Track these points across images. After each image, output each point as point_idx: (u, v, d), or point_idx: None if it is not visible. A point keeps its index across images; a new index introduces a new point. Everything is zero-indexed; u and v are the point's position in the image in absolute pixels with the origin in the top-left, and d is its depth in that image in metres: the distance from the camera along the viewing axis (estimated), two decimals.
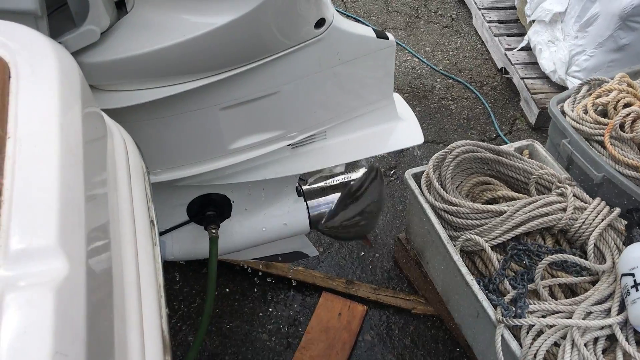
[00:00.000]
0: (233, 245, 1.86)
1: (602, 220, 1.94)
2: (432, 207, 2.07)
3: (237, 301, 2.43)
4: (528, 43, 3.54)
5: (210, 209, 1.76)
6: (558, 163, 2.25)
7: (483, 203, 2.11)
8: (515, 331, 1.76)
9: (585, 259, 1.90)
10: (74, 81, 0.76)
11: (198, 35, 1.26)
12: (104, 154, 0.91)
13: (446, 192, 2.06)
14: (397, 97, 1.77)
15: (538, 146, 2.34)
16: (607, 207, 1.98)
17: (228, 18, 1.25)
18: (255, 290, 2.47)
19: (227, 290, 2.46)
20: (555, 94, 2.93)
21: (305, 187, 1.90)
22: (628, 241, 1.91)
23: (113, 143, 1.01)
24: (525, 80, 3.40)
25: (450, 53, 3.93)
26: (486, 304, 1.79)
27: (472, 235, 1.95)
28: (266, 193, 1.82)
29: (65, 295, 0.56)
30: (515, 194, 2.11)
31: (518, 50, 3.60)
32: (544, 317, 1.75)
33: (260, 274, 2.50)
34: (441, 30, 4.16)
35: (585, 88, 2.36)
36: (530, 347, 1.68)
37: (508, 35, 3.77)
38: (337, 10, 1.40)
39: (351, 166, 1.93)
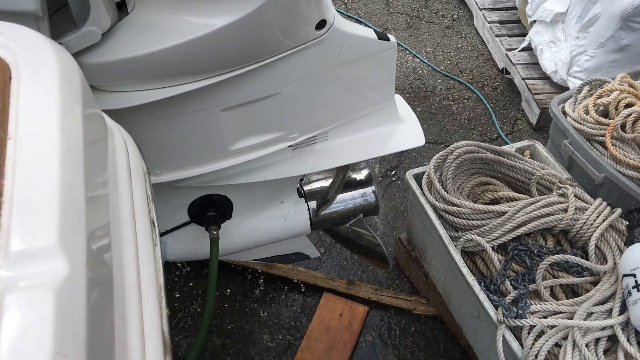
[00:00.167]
0: (234, 246, 1.86)
1: (604, 220, 1.94)
2: (433, 207, 2.06)
3: (238, 302, 2.43)
4: (529, 43, 3.53)
5: (211, 210, 1.76)
6: (559, 163, 2.25)
7: (484, 204, 2.11)
8: (517, 332, 1.76)
9: (587, 259, 1.90)
10: (74, 82, 0.76)
11: (199, 36, 1.26)
12: (104, 154, 0.91)
13: (447, 193, 2.06)
14: (399, 99, 1.77)
15: (539, 147, 2.34)
16: (609, 208, 1.98)
17: (229, 19, 1.25)
18: (257, 290, 2.47)
19: (228, 290, 2.47)
20: (556, 94, 2.92)
21: (306, 188, 1.90)
22: (629, 242, 1.91)
23: (114, 144, 1.01)
24: (526, 80, 3.40)
25: (452, 54, 3.93)
26: (487, 304, 1.79)
27: (473, 236, 1.94)
28: (267, 194, 1.82)
29: (66, 296, 0.56)
30: (516, 195, 2.11)
31: (519, 51, 3.60)
32: (545, 317, 1.74)
33: (261, 274, 2.50)
34: (442, 30, 4.16)
35: (586, 88, 2.36)
36: (531, 348, 1.68)
37: (509, 36, 3.77)
38: (338, 11, 1.40)
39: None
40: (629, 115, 2.06)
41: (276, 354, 2.27)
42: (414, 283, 2.49)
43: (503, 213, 1.97)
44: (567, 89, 3.11)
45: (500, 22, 3.90)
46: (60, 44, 1.23)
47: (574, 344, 1.66)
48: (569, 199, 1.97)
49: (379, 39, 1.53)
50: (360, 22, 4.18)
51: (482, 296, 1.81)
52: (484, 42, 4.00)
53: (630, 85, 2.22)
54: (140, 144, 1.18)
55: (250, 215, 1.84)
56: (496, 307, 1.78)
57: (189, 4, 1.29)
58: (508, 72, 3.64)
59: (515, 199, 2.09)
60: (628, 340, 1.68)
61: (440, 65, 3.81)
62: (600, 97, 2.21)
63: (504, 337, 1.72)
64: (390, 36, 1.57)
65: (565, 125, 2.25)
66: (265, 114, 1.53)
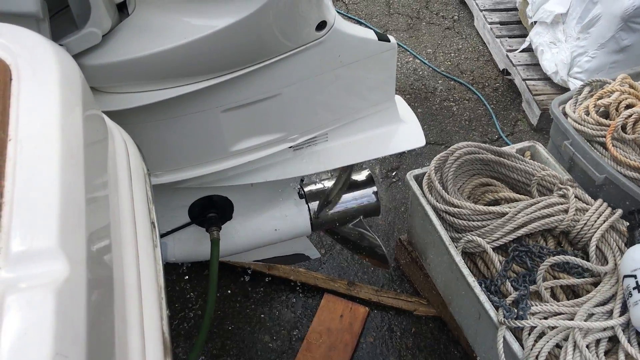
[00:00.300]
0: (235, 247, 1.86)
1: (604, 221, 1.94)
2: (434, 208, 2.06)
3: (239, 303, 2.43)
4: (530, 44, 3.53)
5: (211, 211, 1.76)
6: (560, 164, 2.25)
7: (485, 204, 2.11)
8: (517, 333, 1.76)
9: (587, 260, 1.90)
10: (74, 84, 0.76)
11: (199, 37, 1.26)
12: (105, 156, 0.91)
13: (448, 194, 2.06)
14: (399, 100, 1.77)
15: (540, 148, 2.34)
16: (609, 209, 1.98)
17: (229, 20, 1.25)
18: (257, 291, 2.47)
19: (229, 292, 2.47)
20: (557, 95, 2.93)
21: (306, 189, 1.90)
22: (630, 243, 1.91)
23: (114, 145, 1.01)
24: (527, 81, 3.40)
25: (452, 54, 3.93)
26: (488, 305, 1.79)
27: (473, 237, 1.94)
28: (268, 195, 1.83)
29: (66, 296, 0.56)
30: (516, 196, 2.11)
31: (520, 52, 3.60)
32: (545, 318, 1.74)
33: (262, 275, 2.50)
34: (443, 31, 4.16)
35: (587, 89, 2.36)
36: (532, 349, 1.68)
37: (510, 37, 3.77)
38: (338, 12, 1.40)
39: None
40: (630, 116, 2.06)
41: (277, 355, 2.27)
42: (414, 284, 2.49)
43: (504, 214, 1.97)
44: (568, 89, 3.11)
45: (501, 23, 3.90)
46: (61, 45, 1.23)
47: (575, 345, 1.66)
48: (569, 200, 1.97)
49: (379, 40, 1.53)
50: (360, 24, 4.18)
51: (483, 297, 1.81)
52: (484, 43, 4.00)
53: (631, 86, 2.22)
54: (140, 145, 1.18)
55: (251, 216, 1.84)
56: (497, 308, 1.78)
57: (189, 5, 1.30)
58: (509, 73, 3.64)
59: (515, 200, 2.09)
60: (629, 341, 1.68)
61: (440, 66, 3.81)
62: (600, 98, 2.21)
63: (504, 338, 1.72)
64: (391, 37, 1.57)
65: (566, 126, 2.25)
66: (265, 115, 1.53)
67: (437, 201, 2.06)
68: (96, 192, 0.76)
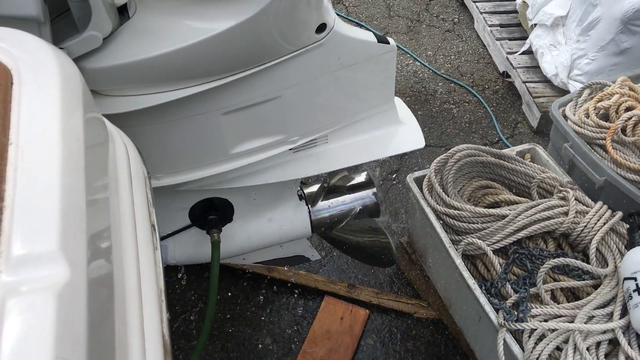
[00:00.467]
0: (235, 249, 1.86)
1: (604, 224, 1.94)
2: (434, 210, 2.07)
3: (239, 305, 2.43)
4: (530, 47, 3.54)
5: (212, 213, 1.76)
6: (560, 167, 2.25)
7: (485, 207, 2.12)
8: (518, 335, 1.76)
9: (587, 262, 1.90)
10: (75, 88, 0.77)
11: (200, 40, 1.27)
12: (105, 159, 0.92)
13: (448, 196, 2.06)
14: (398, 101, 1.77)
15: (540, 150, 2.34)
16: (609, 211, 1.98)
17: (230, 23, 1.26)
18: (258, 294, 2.47)
19: (230, 294, 2.47)
20: (557, 97, 2.93)
21: (306, 191, 1.90)
22: (630, 245, 1.91)
23: (114, 148, 1.01)
24: (527, 84, 3.40)
25: (452, 57, 3.94)
26: (488, 308, 1.79)
27: (473, 239, 1.95)
28: (268, 197, 1.83)
29: (67, 300, 0.56)
30: (517, 198, 2.11)
31: (520, 54, 3.61)
32: (546, 321, 1.74)
33: (262, 278, 2.50)
34: (443, 34, 4.16)
35: (586, 92, 2.36)
36: (532, 352, 1.68)
37: (510, 39, 3.77)
38: (338, 15, 1.40)
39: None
40: (630, 118, 2.06)
41: (277, 357, 2.27)
42: (414, 286, 2.49)
43: (504, 216, 1.97)
44: (568, 92, 3.11)
45: (501, 26, 3.91)
46: (62, 48, 1.24)
47: (575, 348, 1.66)
48: (569, 203, 1.97)
49: (378, 42, 1.53)
50: (360, 26, 4.19)
51: (483, 299, 1.81)
52: (484, 45, 4.00)
53: (631, 89, 2.22)
54: (141, 147, 1.18)
55: (251, 219, 1.85)
56: (497, 311, 1.78)
57: (189, 8, 1.30)
58: (509, 76, 3.64)
59: (515, 203, 2.09)
60: (629, 343, 1.68)
61: (440, 69, 3.82)
62: (600, 100, 2.22)
63: (504, 340, 1.72)
64: (390, 39, 1.57)
65: (566, 128, 2.25)
66: (265, 118, 1.53)
67: (437, 203, 2.07)
68: (97, 195, 0.76)
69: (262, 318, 2.39)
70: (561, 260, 1.85)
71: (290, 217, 1.86)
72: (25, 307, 0.54)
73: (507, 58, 3.60)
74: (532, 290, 1.83)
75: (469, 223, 2.00)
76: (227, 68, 1.37)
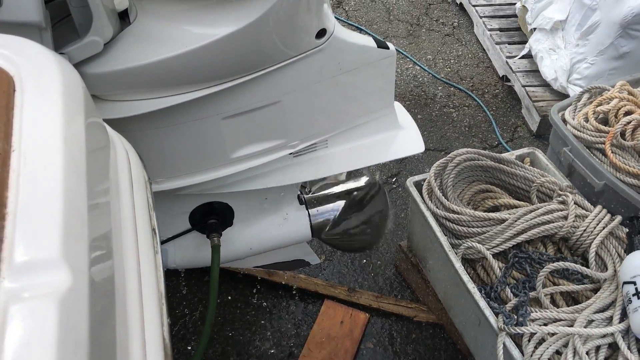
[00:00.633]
0: (235, 253, 1.86)
1: (604, 228, 1.94)
2: (434, 214, 2.07)
3: (239, 309, 2.44)
4: (529, 51, 3.55)
5: (212, 217, 1.77)
6: (559, 171, 2.26)
7: (484, 211, 2.12)
8: (517, 339, 1.76)
9: (587, 266, 1.90)
10: (76, 94, 0.77)
11: (200, 46, 1.27)
12: (106, 163, 0.92)
13: (447, 200, 2.07)
14: (398, 106, 1.78)
15: (539, 154, 2.34)
16: (609, 215, 1.98)
17: (230, 29, 1.27)
18: (258, 298, 2.47)
19: (230, 298, 2.47)
20: (556, 101, 2.94)
21: (306, 196, 1.90)
22: (629, 249, 1.91)
23: (115, 153, 1.02)
24: (526, 88, 3.41)
25: (452, 61, 3.95)
26: (488, 312, 1.79)
27: (473, 243, 1.95)
28: (268, 201, 1.83)
29: (69, 306, 0.57)
30: (516, 202, 2.12)
31: (519, 58, 3.61)
32: (545, 325, 1.75)
33: (262, 281, 2.50)
34: (442, 38, 4.17)
35: (586, 96, 2.37)
36: (532, 356, 1.68)
37: (509, 43, 3.78)
38: (338, 19, 1.41)
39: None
40: (629, 122, 2.06)
41: None
42: (414, 290, 2.49)
43: (503, 220, 1.97)
44: (567, 96, 3.12)
45: (501, 30, 3.91)
46: (63, 53, 1.25)
47: (575, 352, 1.66)
48: (569, 207, 1.97)
49: (378, 47, 1.54)
50: (360, 30, 4.20)
51: (483, 303, 1.81)
52: (484, 49, 4.01)
53: (630, 93, 2.23)
54: (141, 152, 1.18)
55: (252, 223, 1.85)
56: (497, 315, 1.78)
57: (190, 14, 1.31)
58: (508, 80, 3.65)
59: (515, 207, 2.10)
60: (629, 347, 1.68)
61: (440, 73, 3.83)
62: (599, 104, 2.22)
63: (504, 344, 1.73)
64: (390, 44, 1.58)
65: (565, 132, 2.26)
66: (266, 122, 1.54)
67: (437, 207, 2.07)
68: (98, 200, 0.77)
69: (262, 322, 2.39)
70: (561, 264, 1.85)
71: (291, 221, 1.86)
72: (28, 313, 0.54)
73: (507, 62, 3.61)
74: (532, 294, 1.83)
75: (469, 227, 2.00)
76: (228, 73, 1.37)
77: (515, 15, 3.97)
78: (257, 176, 1.67)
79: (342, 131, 1.68)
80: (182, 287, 2.49)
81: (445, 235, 2.03)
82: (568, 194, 2.03)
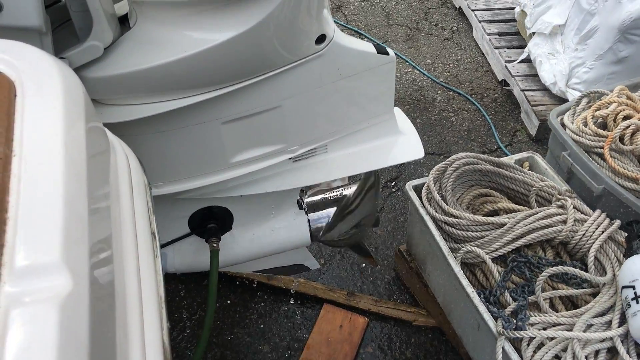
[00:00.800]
0: (234, 257, 1.86)
1: (603, 232, 1.94)
2: (433, 219, 2.07)
3: (238, 313, 2.44)
4: (528, 55, 3.55)
5: (211, 222, 1.77)
6: (558, 175, 2.26)
7: (483, 215, 2.12)
8: (516, 343, 1.76)
9: (586, 271, 1.90)
10: (77, 99, 0.78)
11: (200, 51, 1.28)
12: (107, 167, 0.93)
13: (447, 204, 2.07)
14: (398, 111, 1.78)
15: (538, 158, 2.35)
16: (608, 220, 1.99)
17: (230, 34, 1.27)
18: (257, 302, 2.47)
19: (229, 302, 2.47)
20: (555, 105, 2.95)
21: (306, 200, 1.91)
22: (628, 253, 1.92)
23: (115, 157, 1.02)
24: (525, 92, 3.42)
25: (451, 65, 3.95)
26: (487, 316, 1.79)
27: (472, 247, 1.95)
28: (267, 206, 1.83)
29: (69, 310, 0.57)
30: (515, 206, 2.12)
31: (518, 63, 3.62)
32: (544, 329, 1.75)
33: (261, 285, 2.50)
34: (442, 42, 4.18)
35: (584, 100, 2.37)
36: None
37: (508, 48, 3.79)
38: (337, 23, 1.42)
39: (352, 179, 1.94)
40: (627, 127, 2.07)
41: None
42: (414, 294, 2.49)
43: (502, 224, 1.98)
44: (566, 100, 3.13)
45: (500, 34, 3.92)
46: (63, 58, 1.25)
47: (574, 356, 1.66)
48: (568, 211, 1.97)
49: (378, 53, 1.55)
50: (360, 34, 4.21)
51: (482, 308, 1.81)
52: (483, 54, 4.02)
53: (629, 98, 2.23)
54: (141, 156, 1.19)
55: (251, 227, 1.85)
56: (496, 319, 1.78)
57: (190, 18, 1.31)
58: (507, 84, 3.66)
59: (514, 211, 2.10)
60: (628, 352, 1.68)
61: (439, 77, 3.83)
62: (598, 109, 2.23)
63: (503, 348, 1.73)
64: (390, 50, 1.59)
65: (564, 137, 2.26)
66: (265, 127, 1.54)
67: (436, 212, 2.07)
68: (98, 206, 0.77)
69: (261, 326, 2.39)
70: (560, 268, 1.86)
71: (290, 226, 1.86)
72: (28, 318, 0.54)
73: (506, 66, 3.62)
74: (531, 298, 1.83)
75: (468, 231, 2.01)
76: (228, 78, 1.38)
77: (514, 20, 3.98)
78: (256, 181, 1.67)
79: (341, 136, 1.69)
80: (181, 291, 2.49)
81: (445, 239, 2.04)
82: (567, 198, 2.03)
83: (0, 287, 0.56)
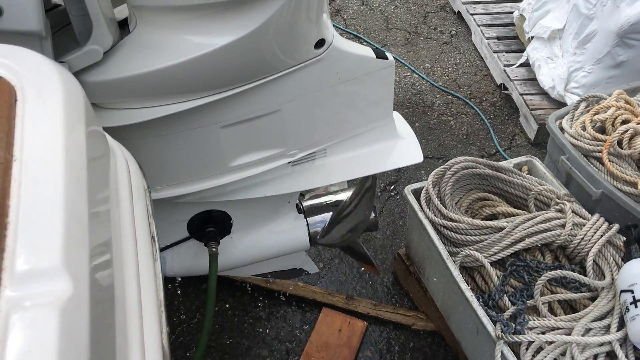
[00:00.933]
0: (233, 261, 1.86)
1: (601, 236, 1.95)
2: (432, 222, 2.08)
3: (237, 317, 2.43)
4: (527, 59, 3.56)
5: (210, 226, 1.77)
6: (557, 179, 2.27)
7: (482, 219, 2.13)
8: (515, 347, 1.77)
9: (585, 275, 1.91)
10: (77, 104, 0.78)
11: (200, 55, 1.28)
12: (106, 171, 0.93)
13: (445, 208, 2.07)
14: (397, 116, 1.79)
15: (537, 162, 2.35)
16: (606, 224, 1.99)
17: (230, 38, 1.27)
18: (255, 305, 2.47)
19: (227, 305, 2.47)
20: (554, 109, 2.95)
21: (305, 204, 1.91)
22: (627, 257, 1.92)
23: (115, 162, 1.02)
24: (524, 96, 3.42)
25: (450, 69, 3.96)
26: (486, 320, 1.80)
27: (471, 251, 1.95)
28: (266, 210, 1.83)
29: (69, 315, 0.57)
30: (514, 210, 2.13)
31: (517, 67, 3.63)
32: (543, 333, 1.75)
33: (260, 289, 2.50)
34: (440, 46, 4.19)
35: (583, 105, 2.38)
36: None
37: (507, 52, 3.80)
38: (337, 27, 1.42)
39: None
40: (626, 131, 2.07)
41: None
42: (412, 298, 2.49)
43: (501, 228, 1.98)
44: (565, 104, 3.14)
45: (498, 38, 3.93)
46: (63, 62, 1.25)
47: None
48: (566, 215, 1.98)
49: (377, 57, 1.55)
50: (359, 38, 4.22)
51: (481, 312, 1.82)
52: (482, 57, 4.03)
53: (627, 102, 2.24)
54: (141, 160, 1.19)
55: (250, 231, 1.85)
56: (495, 323, 1.78)
57: (190, 23, 1.31)
58: (506, 88, 3.67)
59: (513, 215, 2.10)
60: (626, 356, 1.69)
61: (438, 81, 3.84)
62: (597, 113, 2.23)
63: (502, 352, 1.73)
64: (389, 54, 1.59)
65: (563, 141, 2.27)
66: (265, 131, 1.54)
67: (435, 215, 2.08)
68: (98, 209, 0.77)
69: (260, 330, 2.39)
70: (558, 272, 1.86)
71: (289, 230, 1.86)
72: (29, 322, 0.55)
73: (505, 70, 3.63)
74: (530, 302, 1.84)
75: (467, 235, 2.01)
76: (227, 82, 1.38)
77: (512, 24, 3.99)
78: (255, 184, 1.68)
79: (341, 140, 1.69)
80: (179, 295, 2.49)
81: (444, 243, 2.04)
82: (566, 202, 2.04)
83: (1, 291, 0.56)
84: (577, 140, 2.22)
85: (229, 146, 1.53)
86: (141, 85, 1.33)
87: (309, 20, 1.35)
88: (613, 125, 2.16)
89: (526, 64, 3.59)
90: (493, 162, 2.21)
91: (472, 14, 4.18)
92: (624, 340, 1.72)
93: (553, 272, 1.86)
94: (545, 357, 1.69)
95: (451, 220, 2.03)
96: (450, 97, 3.72)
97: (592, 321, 1.77)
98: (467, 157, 2.19)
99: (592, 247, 1.93)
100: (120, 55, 1.32)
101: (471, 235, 2.01)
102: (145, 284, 0.91)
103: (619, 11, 2.84)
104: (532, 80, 3.51)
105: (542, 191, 2.11)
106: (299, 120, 1.55)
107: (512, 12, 4.05)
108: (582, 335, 1.71)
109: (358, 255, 2.17)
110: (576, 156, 2.21)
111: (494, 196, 2.21)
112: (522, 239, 1.94)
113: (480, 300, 1.87)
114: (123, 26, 1.40)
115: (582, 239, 1.95)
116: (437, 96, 3.72)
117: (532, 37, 3.54)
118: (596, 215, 2.02)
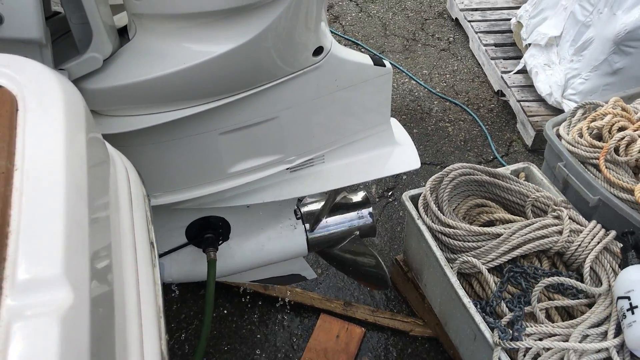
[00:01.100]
0: (231, 267, 1.87)
1: (598, 243, 1.95)
2: (430, 229, 2.08)
3: (235, 323, 2.43)
4: (524, 66, 3.58)
5: (208, 232, 1.77)
6: (554, 186, 2.27)
7: (480, 225, 2.13)
8: (513, 354, 1.77)
9: (582, 281, 1.91)
10: (78, 112, 0.78)
11: (199, 62, 1.28)
12: (106, 179, 0.93)
13: (443, 215, 2.08)
14: (395, 122, 1.79)
15: (534, 169, 2.36)
16: (603, 230, 2.00)
17: (228, 46, 1.28)
18: (254, 312, 2.47)
19: (225, 312, 2.47)
20: (551, 116, 2.96)
21: (303, 210, 1.91)
22: (623, 264, 1.93)
23: (115, 169, 1.03)
24: (521, 102, 3.43)
25: (447, 76, 3.98)
26: (483, 326, 1.80)
27: (469, 258, 1.96)
28: (265, 216, 1.84)
29: (70, 324, 0.57)
30: (511, 217, 2.13)
31: (514, 73, 3.64)
32: (540, 340, 1.75)
33: (258, 295, 2.50)
34: (438, 53, 4.20)
35: (580, 111, 2.39)
36: None
37: (504, 59, 3.82)
38: (335, 34, 1.43)
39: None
40: (622, 138, 2.08)
41: None
42: (410, 304, 2.49)
43: (498, 235, 1.99)
44: (562, 111, 3.14)
45: (496, 45, 3.95)
46: (63, 69, 1.26)
47: None
48: (563, 222, 1.98)
49: (374, 64, 1.56)
50: (357, 45, 4.23)
51: (478, 318, 1.82)
52: (479, 64, 4.04)
53: (623, 109, 2.25)
54: (140, 167, 1.19)
55: (248, 237, 1.85)
56: (492, 329, 1.79)
57: (189, 31, 1.32)
58: (503, 95, 3.68)
59: (510, 221, 2.11)
60: None
61: (436, 88, 3.85)
62: (594, 120, 2.24)
63: (499, 359, 1.73)
64: (386, 62, 1.60)
65: (560, 148, 2.28)
66: (263, 138, 1.55)
67: (432, 222, 2.08)
68: (98, 216, 0.78)
69: (258, 336, 2.39)
70: (555, 279, 1.87)
71: (287, 236, 1.87)
72: (30, 331, 0.55)
73: (502, 77, 3.64)
74: (527, 309, 1.84)
75: (464, 241, 2.01)
76: (226, 89, 1.38)
77: (510, 31, 4.01)
78: (254, 191, 1.68)
79: (339, 147, 1.70)
80: (177, 301, 2.49)
81: (441, 249, 2.04)
82: (563, 208, 2.04)
83: (2, 300, 0.57)
84: (574, 147, 2.23)
85: (228, 153, 1.53)
86: (140, 93, 1.34)
87: (307, 28, 1.36)
88: (610, 132, 2.17)
89: (523, 71, 3.61)
90: (490, 168, 2.22)
91: (469, 21, 4.19)
92: (621, 347, 1.73)
93: (550, 279, 1.86)
94: None
95: (449, 226, 2.04)
96: (447, 103, 3.73)
97: (589, 328, 1.77)
98: (464, 164, 2.20)
99: (589, 253, 1.94)
100: (119, 63, 1.33)
101: (469, 241, 2.01)
102: (144, 291, 0.91)
103: (616, 18, 2.86)
104: (530, 87, 3.52)
105: (540, 198, 2.12)
106: (297, 126, 1.56)
107: (509, 19, 4.07)
108: (580, 342, 1.72)
109: (365, 275, 2.18)
110: (573, 163, 2.22)
111: (491, 203, 2.22)
112: (519, 246, 1.95)
113: (478, 306, 1.88)
114: (123, 34, 1.40)
115: (579, 245, 1.95)
116: (435, 103, 3.73)
117: (530, 44, 3.55)
118: (593, 222, 2.03)
